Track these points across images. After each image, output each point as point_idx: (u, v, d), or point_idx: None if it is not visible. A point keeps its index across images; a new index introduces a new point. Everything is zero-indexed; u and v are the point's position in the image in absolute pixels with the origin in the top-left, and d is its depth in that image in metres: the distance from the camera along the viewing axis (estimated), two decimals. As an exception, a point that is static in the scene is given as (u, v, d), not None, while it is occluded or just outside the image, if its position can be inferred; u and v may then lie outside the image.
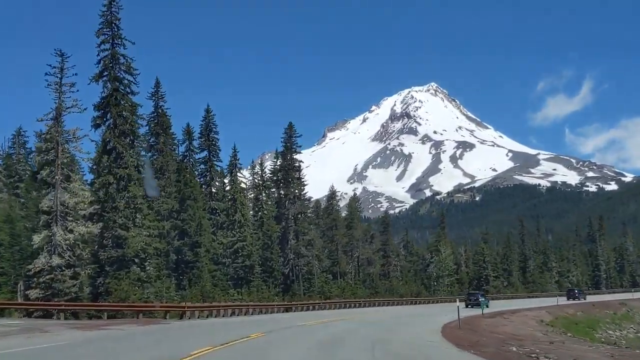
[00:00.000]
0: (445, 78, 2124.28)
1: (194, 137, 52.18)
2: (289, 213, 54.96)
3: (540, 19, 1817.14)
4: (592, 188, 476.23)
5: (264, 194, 57.80)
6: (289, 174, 55.92)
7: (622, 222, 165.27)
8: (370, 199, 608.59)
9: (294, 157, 56.62)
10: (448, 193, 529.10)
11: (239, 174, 51.41)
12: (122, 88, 36.42)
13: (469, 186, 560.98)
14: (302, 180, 57.35)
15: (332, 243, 63.44)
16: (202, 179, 53.91)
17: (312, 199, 61.88)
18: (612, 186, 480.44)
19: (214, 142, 53.41)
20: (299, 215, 56.34)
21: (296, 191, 56.19)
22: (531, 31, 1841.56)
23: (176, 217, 46.22)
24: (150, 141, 47.30)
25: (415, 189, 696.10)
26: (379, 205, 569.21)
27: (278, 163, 59.46)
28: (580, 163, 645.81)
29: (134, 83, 36.71)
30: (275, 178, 58.34)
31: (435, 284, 74.04)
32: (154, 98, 47.76)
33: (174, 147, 51.61)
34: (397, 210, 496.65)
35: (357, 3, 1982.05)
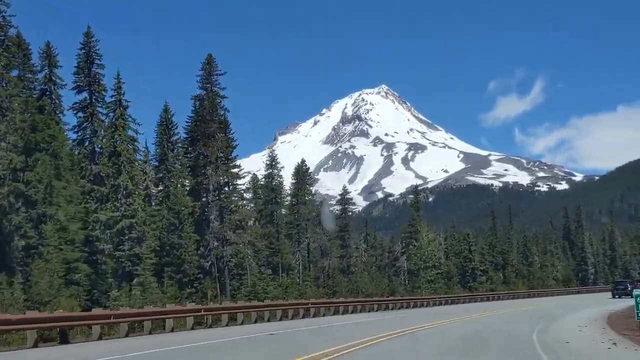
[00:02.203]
0: (395, 80, 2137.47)
1: (57, 64, 34.41)
2: (209, 182, 38.03)
3: (492, 19, 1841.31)
4: (544, 188, 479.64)
5: (170, 155, 39.82)
6: (209, 126, 38.82)
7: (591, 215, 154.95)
8: (322, 202, 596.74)
9: (218, 103, 39.71)
10: (401, 194, 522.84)
11: (125, 117, 33.96)
12: None
13: (421, 187, 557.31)
14: (231, 137, 40.51)
15: (272, 224, 46.63)
16: (79, 133, 36.45)
17: (244, 171, 44.13)
18: (563, 186, 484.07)
19: (97, 80, 35.95)
20: (226, 187, 39.71)
21: (220, 153, 39.30)
22: (483, 31, 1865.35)
23: (20, 178, 28.96)
24: (-18, 64, 29.80)
25: (367, 191, 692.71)
26: (331, 209, 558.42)
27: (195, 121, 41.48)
28: (531, 163, 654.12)
29: None
30: (190, 137, 40.51)
31: (407, 280, 57.25)
32: (-14, -3, 30.24)
33: (33, 83, 34.19)
34: (349, 212, 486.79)
35: (307, 6, 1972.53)
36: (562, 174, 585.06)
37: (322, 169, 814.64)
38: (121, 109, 33.98)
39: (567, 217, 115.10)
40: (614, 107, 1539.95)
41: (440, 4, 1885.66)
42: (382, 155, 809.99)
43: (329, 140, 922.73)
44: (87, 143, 36.63)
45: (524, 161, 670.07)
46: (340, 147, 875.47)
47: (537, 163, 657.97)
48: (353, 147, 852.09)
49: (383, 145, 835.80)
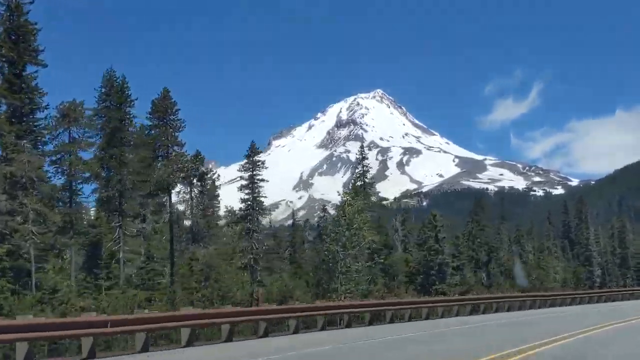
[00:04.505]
0: (391, 85, 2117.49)
1: None
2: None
3: (490, 18, 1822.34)
4: (539, 193, 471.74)
5: None
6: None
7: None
8: (316, 207, 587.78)
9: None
10: (395, 199, 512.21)
11: None
12: None
13: (416, 192, 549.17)
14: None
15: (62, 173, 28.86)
16: None
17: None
18: (559, 190, 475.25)
19: None
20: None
21: None
22: (481, 32, 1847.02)
23: None
24: None
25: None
26: (325, 214, 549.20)
27: None
28: (527, 168, 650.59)
29: None
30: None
31: (342, 278, 34.26)
32: None
33: None
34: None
35: (301, 10, 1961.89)
36: (558, 178, 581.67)
37: (316, 174, 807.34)
38: None
39: (566, 212, 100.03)
40: (613, 111, 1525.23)
41: (436, 7, 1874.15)
42: (377, 159, 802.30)
43: (324, 144, 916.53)
44: None
45: (520, 166, 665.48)
46: (335, 151, 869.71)
47: (533, 168, 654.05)
48: (348, 151, 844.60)
49: (378, 149, 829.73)
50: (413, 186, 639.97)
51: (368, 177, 57.47)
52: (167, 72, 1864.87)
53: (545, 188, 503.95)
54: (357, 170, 58.90)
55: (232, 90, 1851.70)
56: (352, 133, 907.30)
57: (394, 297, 32.40)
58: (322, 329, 24.65)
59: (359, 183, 56.22)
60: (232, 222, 41.13)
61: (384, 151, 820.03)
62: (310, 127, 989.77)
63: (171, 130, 37.28)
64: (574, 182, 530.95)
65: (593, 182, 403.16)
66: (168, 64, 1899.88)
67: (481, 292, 43.21)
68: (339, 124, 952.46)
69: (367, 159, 60.39)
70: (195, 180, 36.93)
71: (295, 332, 23.17)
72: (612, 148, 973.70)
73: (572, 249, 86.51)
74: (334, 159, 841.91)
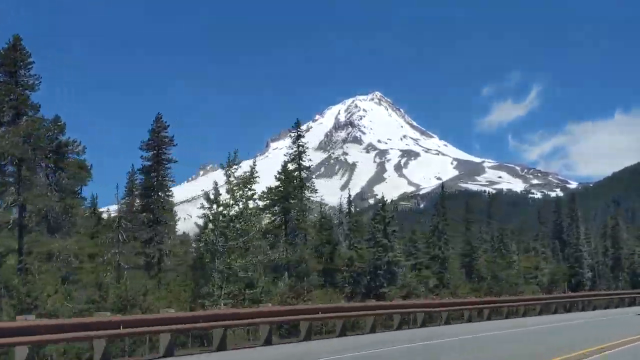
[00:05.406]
0: (389, 87, 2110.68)
1: None
2: None
3: (488, 19, 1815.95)
4: (538, 195, 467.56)
5: None
6: None
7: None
8: (313, 209, 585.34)
9: None
10: (392, 201, 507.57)
11: None
12: None
13: (413, 194, 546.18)
14: None
15: None
16: None
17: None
18: (558, 193, 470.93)
19: None
20: None
21: None
22: (479, 32, 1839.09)
23: None
24: None
25: (359, 198, 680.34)
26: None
27: None
28: (525, 170, 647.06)
29: None
30: None
31: (218, 278, 25.00)
32: None
33: None
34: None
35: (298, 12, 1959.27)
36: (557, 181, 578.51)
37: (314, 176, 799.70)
38: None
39: (558, 212, 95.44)
40: (612, 113, 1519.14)
41: (434, 8, 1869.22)
42: (374, 162, 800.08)
43: (322, 146, 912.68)
44: None
45: (518, 168, 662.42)
46: (333, 153, 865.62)
47: (532, 170, 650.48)
48: (346, 153, 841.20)
49: (376, 152, 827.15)
50: (411, 188, 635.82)
51: (306, 161, 47.10)
52: (168, 71, 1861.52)
53: (544, 190, 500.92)
54: (291, 152, 47.65)
55: (231, 90, 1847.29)
56: (350, 135, 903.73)
57: (307, 302, 25.29)
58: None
59: (291, 167, 46.09)
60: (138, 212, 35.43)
61: (382, 153, 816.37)
62: (308, 129, 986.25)
63: (21, 88, 29.45)
64: (573, 185, 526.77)
65: (592, 185, 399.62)
66: (168, 61, 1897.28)
67: (423, 297, 35.34)
68: (337, 126, 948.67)
69: (303, 136, 48.56)
70: (50, 154, 30.44)
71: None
72: (612, 150, 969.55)
73: (563, 250, 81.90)
74: (332, 161, 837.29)
